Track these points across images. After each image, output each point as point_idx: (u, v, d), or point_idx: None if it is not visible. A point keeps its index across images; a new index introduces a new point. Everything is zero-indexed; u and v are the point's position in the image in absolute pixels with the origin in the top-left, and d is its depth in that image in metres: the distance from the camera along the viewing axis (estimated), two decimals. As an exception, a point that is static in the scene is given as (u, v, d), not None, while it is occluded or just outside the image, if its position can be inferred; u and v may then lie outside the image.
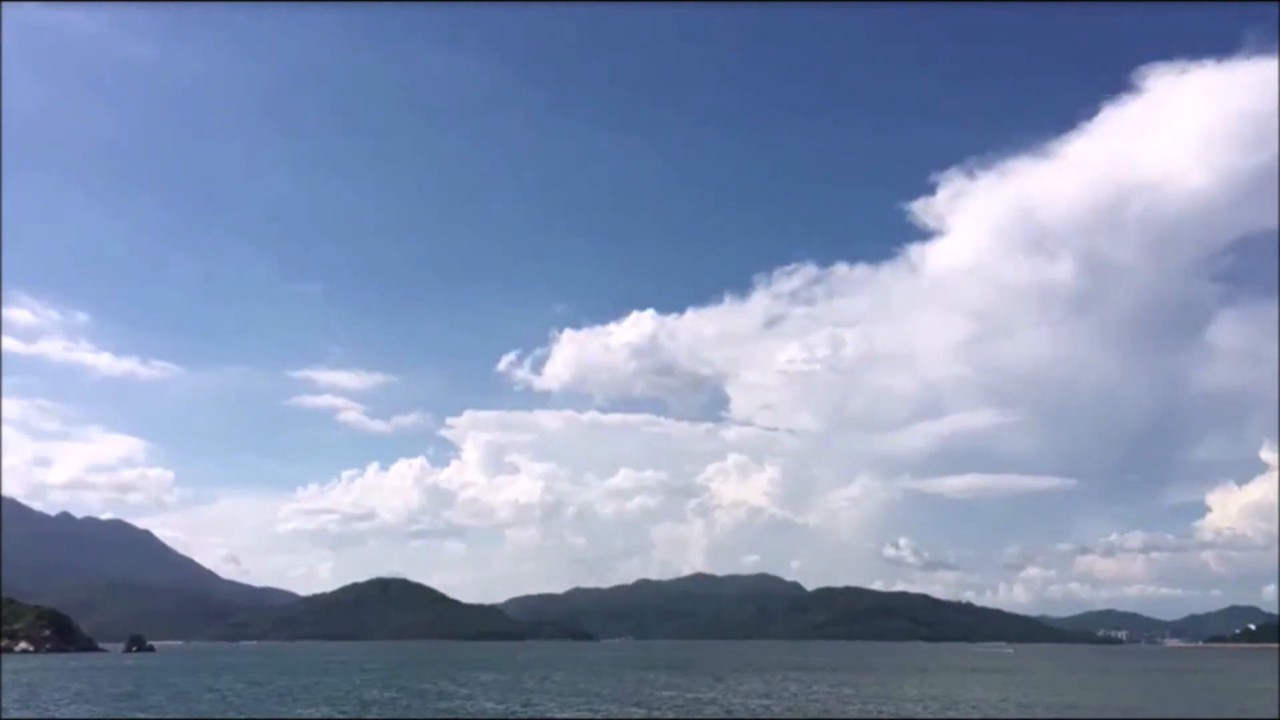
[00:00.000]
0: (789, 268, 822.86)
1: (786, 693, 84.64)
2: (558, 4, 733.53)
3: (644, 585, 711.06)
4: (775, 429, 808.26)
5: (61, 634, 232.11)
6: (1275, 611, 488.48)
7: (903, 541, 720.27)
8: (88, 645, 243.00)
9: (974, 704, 74.31)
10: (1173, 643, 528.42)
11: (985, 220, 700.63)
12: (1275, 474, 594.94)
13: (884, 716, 63.00)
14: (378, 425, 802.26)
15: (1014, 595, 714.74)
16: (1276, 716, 65.05)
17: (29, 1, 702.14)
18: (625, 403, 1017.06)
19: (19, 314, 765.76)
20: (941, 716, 63.76)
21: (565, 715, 61.89)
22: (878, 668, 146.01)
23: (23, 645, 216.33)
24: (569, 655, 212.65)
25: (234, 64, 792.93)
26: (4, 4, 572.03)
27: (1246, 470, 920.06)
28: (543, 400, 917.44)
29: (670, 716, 62.08)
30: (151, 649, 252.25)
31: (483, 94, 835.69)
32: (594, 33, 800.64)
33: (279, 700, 72.76)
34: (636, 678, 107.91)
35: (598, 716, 61.47)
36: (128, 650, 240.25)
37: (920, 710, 67.64)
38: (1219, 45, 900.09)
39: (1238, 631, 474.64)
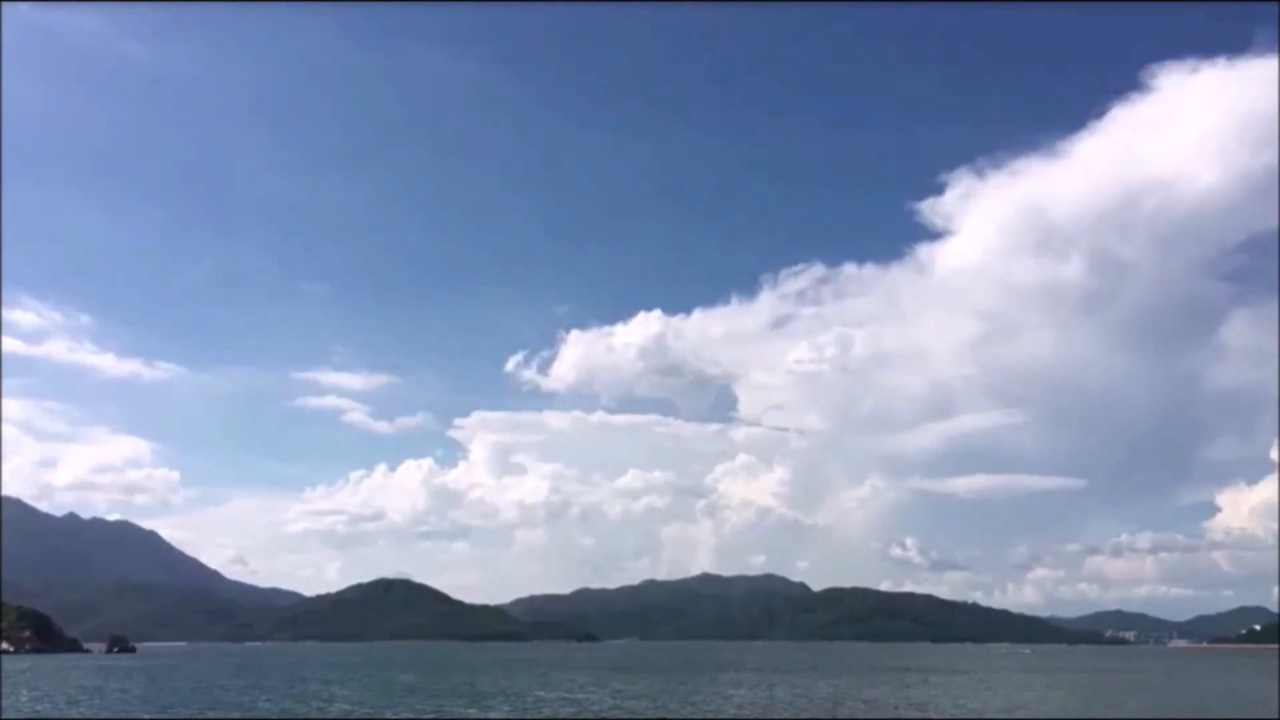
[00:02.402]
0: (796, 268, 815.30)
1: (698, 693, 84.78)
2: (563, 5, 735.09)
3: (650, 586, 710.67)
4: (783, 429, 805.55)
5: (42, 635, 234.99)
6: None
7: (909, 542, 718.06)
8: (71, 646, 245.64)
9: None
10: (1178, 643, 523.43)
11: (994, 220, 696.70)
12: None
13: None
14: (382, 426, 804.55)
15: (1022, 595, 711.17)
16: (1276, 717, 65.29)
17: (29, 1, 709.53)
18: (632, 403, 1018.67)
19: (22, 315, 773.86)
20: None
21: (385, 715, 62.32)
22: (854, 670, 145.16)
23: (3, 646, 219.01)
24: (549, 657, 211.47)
25: (235, 64, 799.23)
26: (4, 4, 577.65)
27: (1257, 470, 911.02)
28: (550, 401, 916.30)
29: (505, 717, 62.53)
30: (133, 650, 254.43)
31: (488, 95, 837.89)
32: (598, 33, 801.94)
33: (144, 700, 73.51)
34: (567, 679, 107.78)
35: (412, 717, 61.90)
36: (108, 651, 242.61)
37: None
38: (1229, 44, 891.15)
39: (1243, 632, 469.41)
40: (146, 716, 61.51)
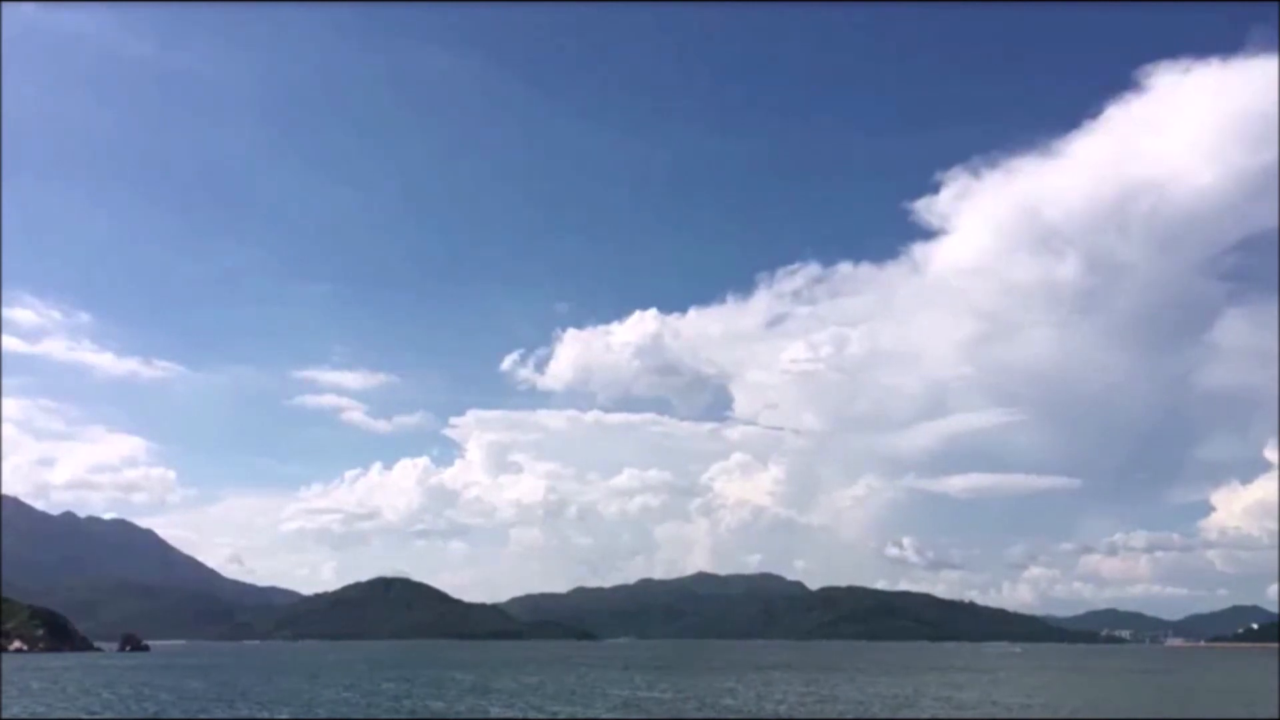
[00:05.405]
0: (792, 267, 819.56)
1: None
2: (561, 4, 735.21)
3: (647, 585, 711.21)
4: (779, 428, 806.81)
5: (55, 633, 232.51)
6: (1277, 610, 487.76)
7: (906, 541, 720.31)
8: (83, 645, 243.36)
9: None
10: (1175, 642, 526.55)
11: (990, 219, 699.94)
12: (1279, 473, 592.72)
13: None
14: (380, 425, 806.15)
15: (1018, 595, 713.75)
16: (1276, 717, 65.62)
17: (29, 1, 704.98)
18: (628, 402, 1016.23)
19: (22, 314, 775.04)
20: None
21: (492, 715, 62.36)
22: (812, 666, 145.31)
23: (16, 644, 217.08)
24: (535, 656, 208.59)
25: (235, 64, 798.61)
26: (4, 4, 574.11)
27: (1251, 469, 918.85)
28: (546, 400, 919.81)
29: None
30: (146, 648, 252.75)
31: (485, 94, 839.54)
32: (596, 32, 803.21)
33: (220, 701, 73.52)
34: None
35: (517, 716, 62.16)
36: (121, 649, 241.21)
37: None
38: (1223, 44, 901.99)
39: (1240, 631, 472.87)
40: (266, 716, 61.43)
